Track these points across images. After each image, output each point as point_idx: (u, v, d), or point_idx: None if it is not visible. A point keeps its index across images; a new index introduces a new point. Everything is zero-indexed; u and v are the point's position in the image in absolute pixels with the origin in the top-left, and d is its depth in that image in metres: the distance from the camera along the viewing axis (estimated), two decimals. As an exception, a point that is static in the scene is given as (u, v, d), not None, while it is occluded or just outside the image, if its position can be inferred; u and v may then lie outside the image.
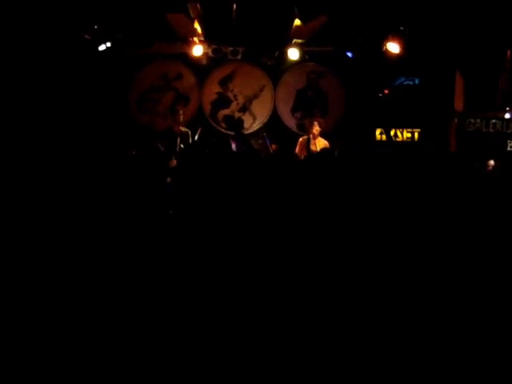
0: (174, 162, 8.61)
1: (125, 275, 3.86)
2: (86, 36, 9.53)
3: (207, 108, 11.06)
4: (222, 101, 11.08)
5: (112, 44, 9.86)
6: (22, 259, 3.99)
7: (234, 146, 9.94)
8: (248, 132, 10.97)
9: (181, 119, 9.19)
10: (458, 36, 8.96)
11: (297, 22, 8.84)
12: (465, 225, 4.38)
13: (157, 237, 4.21)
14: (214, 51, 10.37)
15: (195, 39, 10.13)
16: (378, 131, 10.10)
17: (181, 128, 9.12)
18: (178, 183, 6.17)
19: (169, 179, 7.35)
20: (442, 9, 8.17)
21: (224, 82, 11.06)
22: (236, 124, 10.76)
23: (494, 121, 9.55)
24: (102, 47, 9.80)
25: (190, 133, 9.14)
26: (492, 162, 8.73)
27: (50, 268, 3.93)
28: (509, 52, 9.26)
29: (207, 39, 10.20)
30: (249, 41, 10.25)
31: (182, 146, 8.87)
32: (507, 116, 9.63)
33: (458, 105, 9.90)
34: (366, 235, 4.20)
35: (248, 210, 4.38)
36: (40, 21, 8.61)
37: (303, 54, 10.42)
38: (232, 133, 10.46)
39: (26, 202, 4.56)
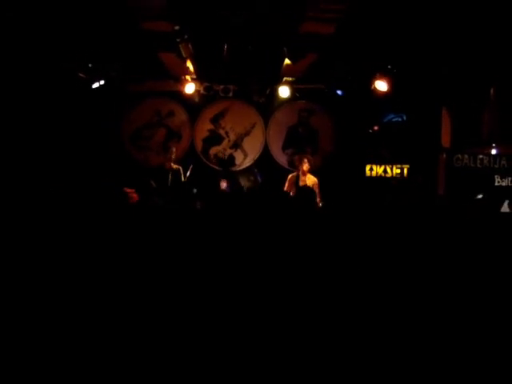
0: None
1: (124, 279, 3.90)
2: (80, 74, 9.67)
3: (199, 145, 11.20)
4: (214, 138, 11.23)
5: (106, 82, 10.01)
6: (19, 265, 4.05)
7: (224, 185, 10.05)
8: (239, 168, 11.11)
9: (173, 156, 9.28)
10: (444, 73, 9.14)
11: (287, 60, 8.99)
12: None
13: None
14: (205, 89, 10.54)
15: (187, 77, 10.30)
16: (367, 167, 10.22)
17: (172, 165, 9.21)
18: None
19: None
20: (428, 47, 8.34)
21: (215, 120, 11.22)
22: (226, 162, 10.90)
23: (481, 156, 9.69)
24: (95, 85, 9.93)
25: (181, 170, 9.24)
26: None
27: (47, 271, 3.98)
28: (492, 89, 9.44)
29: (199, 77, 10.37)
30: (240, 79, 10.42)
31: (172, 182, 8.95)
32: (494, 152, 9.77)
33: (446, 141, 10.05)
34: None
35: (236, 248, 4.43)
36: (34, 59, 8.73)
37: (294, 91, 10.58)
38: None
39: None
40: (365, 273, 4.06)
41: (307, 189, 6.67)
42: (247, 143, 11.26)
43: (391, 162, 10.14)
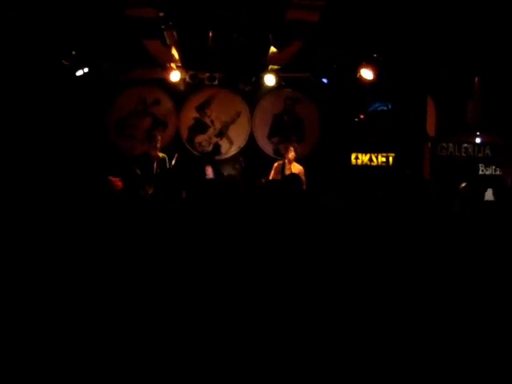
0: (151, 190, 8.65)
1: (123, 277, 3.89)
2: (64, 61, 9.58)
3: (184, 133, 11.15)
4: (199, 126, 11.18)
5: (90, 69, 9.92)
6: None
7: (209, 171, 10.04)
8: (225, 157, 11.09)
9: (158, 145, 9.21)
10: (429, 62, 9.16)
11: (272, 48, 8.97)
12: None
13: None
14: (191, 77, 10.48)
15: (172, 65, 10.23)
16: (353, 156, 10.26)
17: (158, 153, 9.15)
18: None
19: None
20: (414, 36, 8.36)
21: (201, 108, 11.17)
22: (211, 151, 10.88)
23: (465, 145, 9.77)
24: (79, 72, 9.84)
25: (166, 158, 9.18)
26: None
27: (47, 269, 3.96)
28: (477, 78, 9.49)
29: (184, 65, 10.31)
30: (225, 67, 10.37)
31: (158, 171, 8.90)
32: (478, 140, 9.83)
33: (431, 129, 10.10)
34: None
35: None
36: (17, 46, 8.63)
37: (279, 79, 10.55)
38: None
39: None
40: (359, 266, 4.06)
41: (293, 175, 6.67)
42: (233, 131, 11.23)
43: (377, 150, 10.18)
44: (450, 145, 9.79)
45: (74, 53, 9.46)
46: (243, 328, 3.40)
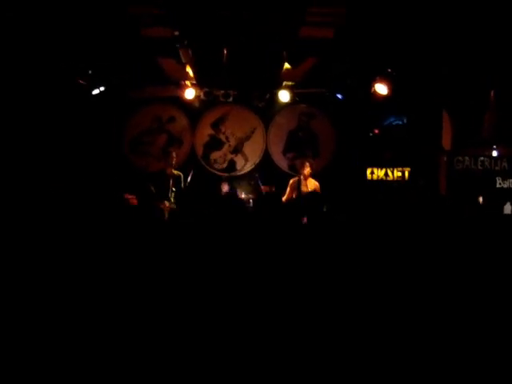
0: (167, 205, 8.66)
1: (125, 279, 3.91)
2: (80, 81, 9.68)
3: (199, 150, 11.21)
4: (214, 143, 11.24)
5: (106, 88, 10.03)
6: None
7: (226, 188, 10.05)
8: (240, 173, 11.11)
9: (173, 162, 9.21)
10: (444, 75, 9.13)
11: (287, 64, 9.00)
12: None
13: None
14: (205, 94, 10.56)
15: (187, 83, 10.32)
16: (368, 171, 10.21)
17: (173, 171, 9.14)
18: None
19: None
20: (428, 50, 8.35)
21: (216, 125, 11.23)
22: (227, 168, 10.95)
23: (482, 158, 9.67)
24: (95, 91, 9.95)
25: (182, 176, 9.17)
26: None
27: (49, 270, 3.99)
28: (492, 91, 9.43)
29: (199, 83, 10.39)
30: (240, 84, 10.43)
31: (173, 189, 8.90)
32: (494, 153, 9.75)
33: (446, 143, 10.03)
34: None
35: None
36: (34, 66, 8.73)
37: (294, 95, 10.60)
38: (224, 174, 10.67)
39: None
40: (367, 275, 4.05)
41: (314, 194, 6.66)
42: (248, 148, 11.28)
43: (392, 165, 10.14)
44: (466, 158, 9.70)
45: (90, 72, 9.56)
46: (255, 327, 3.41)
